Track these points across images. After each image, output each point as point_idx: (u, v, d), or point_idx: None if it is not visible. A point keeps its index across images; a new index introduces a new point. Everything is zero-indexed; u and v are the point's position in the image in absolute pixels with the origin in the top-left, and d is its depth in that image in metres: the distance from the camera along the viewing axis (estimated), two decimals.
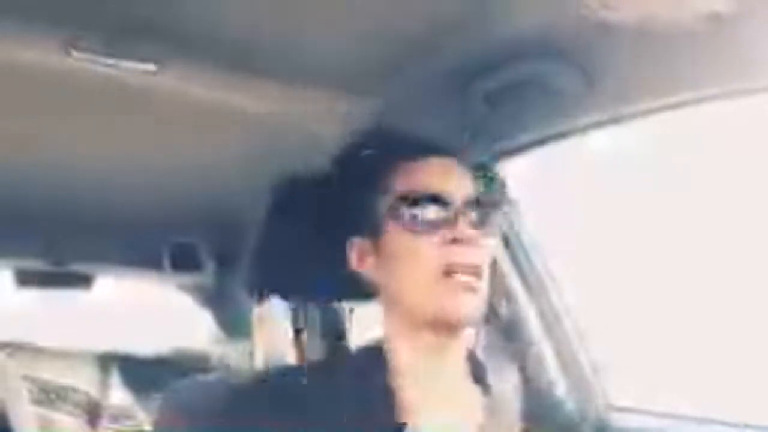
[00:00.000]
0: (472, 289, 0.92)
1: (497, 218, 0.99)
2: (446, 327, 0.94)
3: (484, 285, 0.94)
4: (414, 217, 0.94)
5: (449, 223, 0.93)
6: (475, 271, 0.92)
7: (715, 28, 0.95)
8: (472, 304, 0.92)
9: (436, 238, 0.92)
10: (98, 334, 2.40)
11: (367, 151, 1.02)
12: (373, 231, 0.97)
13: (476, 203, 0.96)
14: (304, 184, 1.06)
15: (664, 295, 1.88)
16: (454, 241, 0.92)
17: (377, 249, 0.97)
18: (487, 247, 0.96)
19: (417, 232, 0.93)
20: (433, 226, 0.93)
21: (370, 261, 0.98)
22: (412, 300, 0.94)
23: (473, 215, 0.95)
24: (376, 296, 1.01)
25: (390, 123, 1.05)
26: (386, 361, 0.96)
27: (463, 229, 0.93)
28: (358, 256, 0.99)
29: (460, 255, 0.92)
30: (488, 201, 0.98)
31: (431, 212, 0.93)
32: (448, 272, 0.92)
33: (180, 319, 2.54)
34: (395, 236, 0.95)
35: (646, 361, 1.79)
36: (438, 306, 0.92)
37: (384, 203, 0.97)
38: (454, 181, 0.96)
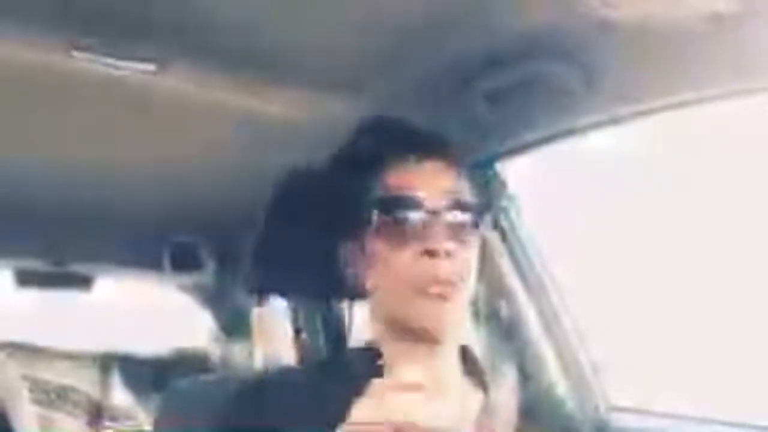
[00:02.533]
0: (444, 300, 0.90)
1: (482, 224, 0.97)
2: (425, 337, 0.93)
3: (460, 297, 0.92)
4: (390, 223, 0.93)
5: (424, 231, 0.91)
6: (449, 284, 0.91)
7: (715, 28, 0.95)
8: (446, 316, 0.91)
9: (410, 249, 0.91)
10: (98, 334, 2.40)
11: (358, 150, 1.00)
12: (359, 234, 0.96)
13: (459, 209, 0.94)
14: (304, 183, 1.06)
15: (664, 294, 1.88)
16: (428, 253, 0.90)
17: (364, 252, 0.96)
18: (464, 259, 0.93)
19: (393, 241, 0.92)
20: (408, 234, 0.92)
21: (359, 264, 0.98)
22: (390, 309, 0.94)
23: (453, 223, 0.93)
24: (366, 298, 1.00)
25: (387, 119, 1.03)
26: (384, 361, 0.96)
27: (438, 239, 0.91)
28: (349, 259, 0.99)
29: (433, 269, 0.90)
30: (474, 206, 0.96)
31: (407, 218, 0.92)
32: (421, 287, 0.90)
33: (180, 319, 2.54)
34: (375, 242, 0.94)
35: (646, 361, 1.78)
36: (413, 318, 0.92)
37: (368, 206, 0.95)
38: (437, 186, 0.94)
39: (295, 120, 1.42)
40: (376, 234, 0.94)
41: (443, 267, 0.90)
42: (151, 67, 1.21)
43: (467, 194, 0.97)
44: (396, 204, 0.93)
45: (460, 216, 0.94)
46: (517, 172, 1.43)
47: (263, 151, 1.52)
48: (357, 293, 1.01)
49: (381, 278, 0.94)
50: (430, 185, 0.94)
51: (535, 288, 1.48)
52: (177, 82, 1.27)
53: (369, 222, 0.95)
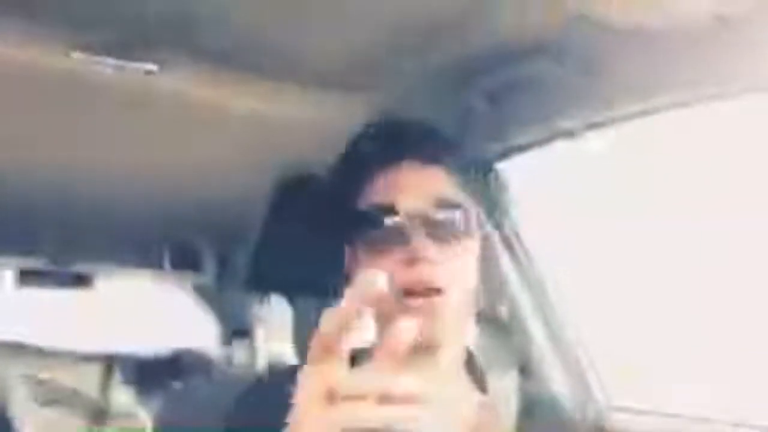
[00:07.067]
0: (424, 312, 0.87)
1: (475, 223, 0.94)
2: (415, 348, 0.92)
3: (446, 303, 0.89)
4: (370, 230, 0.91)
5: (405, 237, 0.89)
6: (432, 292, 0.88)
7: (716, 28, 0.95)
8: (425, 327, 0.85)
9: (391, 258, 0.89)
10: (98, 334, 2.40)
11: (353, 154, 0.98)
12: (353, 237, 0.95)
13: (445, 209, 0.91)
14: (305, 183, 1.06)
15: (664, 294, 1.88)
16: (410, 262, 0.88)
17: (355, 257, 0.95)
18: (452, 262, 0.90)
19: (376, 247, 0.90)
20: (388, 241, 0.90)
21: (352, 268, 0.96)
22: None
23: (437, 224, 0.90)
24: None
25: (387, 122, 1.01)
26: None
27: (418, 246, 0.88)
28: (348, 263, 0.97)
29: (416, 276, 0.88)
30: (464, 206, 0.93)
31: (384, 225, 0.90)
32: (406, 293, 0.88)
33: (180, 319, 2.54)
34: (361, 249, 0.93)
35: (646, 361, 1.79)
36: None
37: (356, 213, 0.94)
38: (421, 188, 0.92)
39: (296, 120, 1.42)
40: (362, 240, 0.92)
41: (426, 272, 0.88)
42: (151, 67, 1.21)
43: (456, 193, 0.94)
44: (374, 211, 0.91)
45: (445, 216, 0.91)
46: (517, 172, 1.43)
47: (263, 151, 1.52)
48: None
49: None
50: (413, 187, 0.91)
51: (535, 288, 1.48)
52: (177, 82, 1.27)
53: (356, 228, 0.93)
